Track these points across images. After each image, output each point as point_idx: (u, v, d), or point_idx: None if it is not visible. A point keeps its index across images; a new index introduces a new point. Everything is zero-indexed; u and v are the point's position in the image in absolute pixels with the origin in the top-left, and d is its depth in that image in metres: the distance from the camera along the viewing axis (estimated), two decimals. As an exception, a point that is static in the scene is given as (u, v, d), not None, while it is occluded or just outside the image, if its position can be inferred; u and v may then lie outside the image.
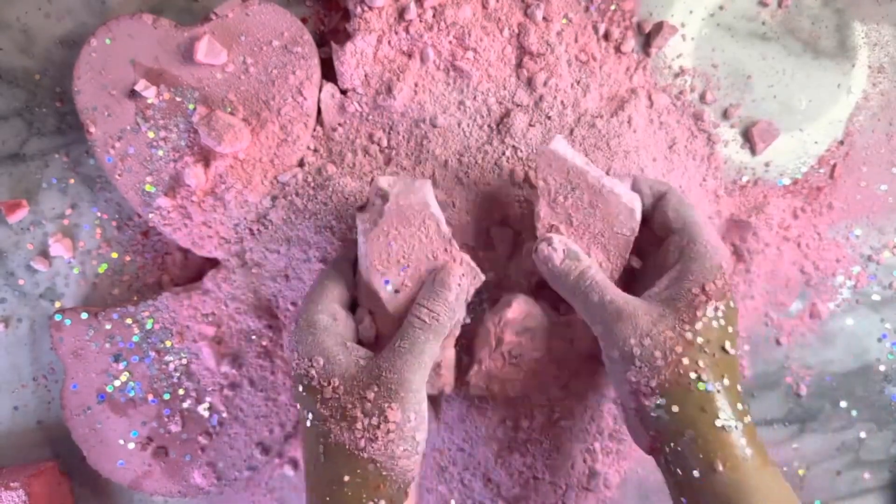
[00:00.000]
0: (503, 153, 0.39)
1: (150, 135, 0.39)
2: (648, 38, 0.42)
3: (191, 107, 0.39)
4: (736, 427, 0.32)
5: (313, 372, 0.32)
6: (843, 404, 0.45)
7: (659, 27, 0.42)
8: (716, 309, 0.33)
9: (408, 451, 0.32)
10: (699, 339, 0.32)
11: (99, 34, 0.39)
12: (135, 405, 0.41)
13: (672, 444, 0.32)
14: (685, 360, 0.32)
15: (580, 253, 0.35)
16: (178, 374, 0.41)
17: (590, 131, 0.40)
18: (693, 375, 0.32)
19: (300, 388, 0.33)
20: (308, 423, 0.33)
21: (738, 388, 0.33)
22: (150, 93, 0.38)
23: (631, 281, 0.37)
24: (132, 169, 0.39)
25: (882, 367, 0.45)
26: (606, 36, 0.41)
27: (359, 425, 0.31)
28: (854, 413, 0.45)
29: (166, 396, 0.41)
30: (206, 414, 0.41)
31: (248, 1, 0.39)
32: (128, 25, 0.39)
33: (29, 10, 0.41)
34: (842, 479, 0.45)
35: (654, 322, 0.33)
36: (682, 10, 0.43)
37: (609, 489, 0.41)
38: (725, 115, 0.43)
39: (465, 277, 0.34)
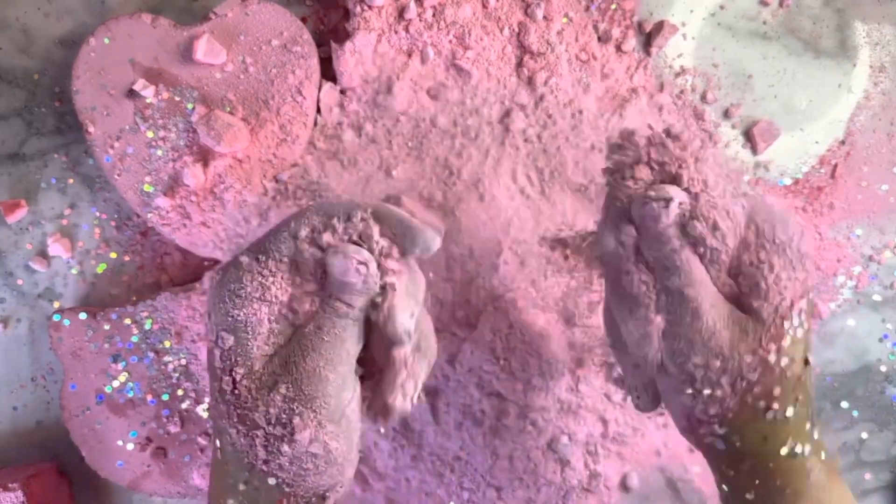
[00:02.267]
0: (504, 153, 0.39)
1: (149, 134, 0.39)
2: (649, 37, 0.42)
3: (190, 106, 0.39)
4: (804, 452, 0.28)
5: (216, 351, 0.26)
6: (844, 405, 0.44)
7: (659, 26, 0.42)
8: (800, 313, 0.28)
9: (321, 467, 0.26)
10: (783, 362, 0.27)
11: (98, 34, 0.38)
12: (134, 406, 0.41)
13: (724, 468, 0.29)
14: (757, 389, 0.27)
15: (693, 227, 0.27)
16: (177, 375, 0.41)
17: (590, 131, 0.40)
18: (762, 404, 0.27)
19: (209, 362, 0.27)
20: (212, 406, 0.27)
21: (810, 403, 0.29)
22: (148, 92, 0.38)
23: None
24: (131, 169, 0.39)
25: (883, 368, 0.45)
26: (607, 35, 0.41)
27: (259, 434, 0.26)
28: (855, 413, 0.45)
29: (165, 397, 0.41)
30: (205, 415, 0.41)
31: (247, 0, 0.39)
32: (127, 25, 0.39)
33: (28, 10, 0.41)
34: (843, 479, 0.45)
35: (733, 342, 0.27)
36: (683, 9, 0.42)
37: (610, 490, 0.41)
38: (726, 114, 0.43)
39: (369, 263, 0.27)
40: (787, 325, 0.27)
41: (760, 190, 0.43)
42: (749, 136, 0.43)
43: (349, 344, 0.27)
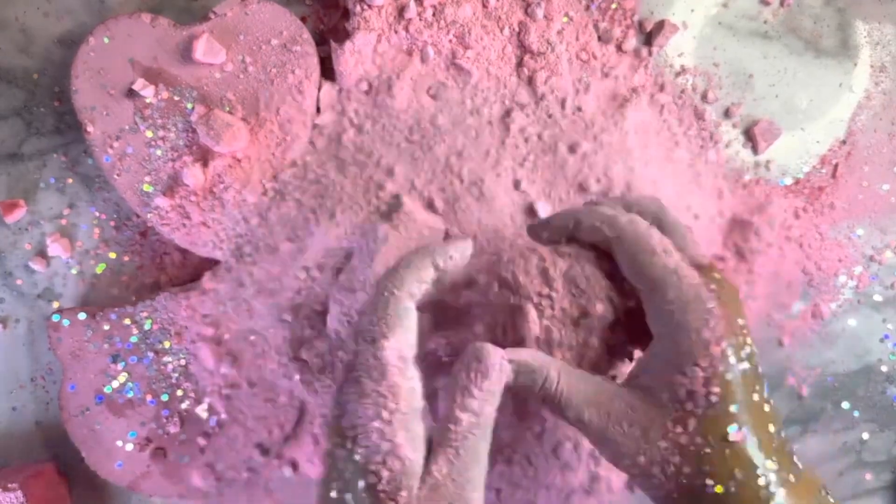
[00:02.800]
0: (504, 153, 0.39)
1: (149, 134, 0.39)
2: (650, 36, 0.42)
3: (189, 106, 0.39)
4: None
5: (385, 474, 0.26)
6: (845, 405, 0.44)
7: (660, 26, 0.41)
8: (707, 395, 0.27)
9: None
10: (697, 440, 0.27)
11: (97, 33, 0.38)
12: (133, 406, 0.41)
13: None
14: (686, 470, 0.27)
15: (531, 361, 0.29)
16: (176, 375, 0.41)
17: (590, 130, 0.40)
18: (698, 483, 0.27)
19: (360, 484, 0.27)
20: None
21: (770, 462, 0.28)
22: (148, 92, 0.38)
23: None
24: (130, 168, 0.39)
25: (884, 368, 0.44)
26: (608, 35, 0.41)
27: None
28: (856, 414, 0.44)
29: (165, 397, 0.41)
30: (204, 415, 0.41)
31: (247, 0, 0.39)
32: (126, 25, 0.38)
33: (28, 10, 0.41)
34: (844, 480, 0.45)
35: (645, 433, 0.28)
36: (684, 8, 0.42)
37: (612, 493, 0.41)
38: (727, 114, 0.43)
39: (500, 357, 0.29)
40: (689, 406, 0.27)
41: (762, 192, 0.43)
42: (750, 136, 0.43)
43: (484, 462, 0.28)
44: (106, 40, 0.38)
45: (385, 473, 0.26)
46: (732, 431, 0.27)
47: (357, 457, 0.27)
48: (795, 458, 0.29)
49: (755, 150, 0.43)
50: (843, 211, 0.44)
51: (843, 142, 0.44)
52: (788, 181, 0.44)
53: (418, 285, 0.30)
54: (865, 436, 0.45)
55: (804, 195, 0.44)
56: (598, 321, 0.32)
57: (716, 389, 0.27)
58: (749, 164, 0.43)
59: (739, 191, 0.43)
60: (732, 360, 0.28)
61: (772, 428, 0.28)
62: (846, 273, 0.44)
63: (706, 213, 0.42)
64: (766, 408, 0.29)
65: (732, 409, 0.27)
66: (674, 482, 0.28)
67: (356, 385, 0.28)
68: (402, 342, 0.28)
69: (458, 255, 0.31)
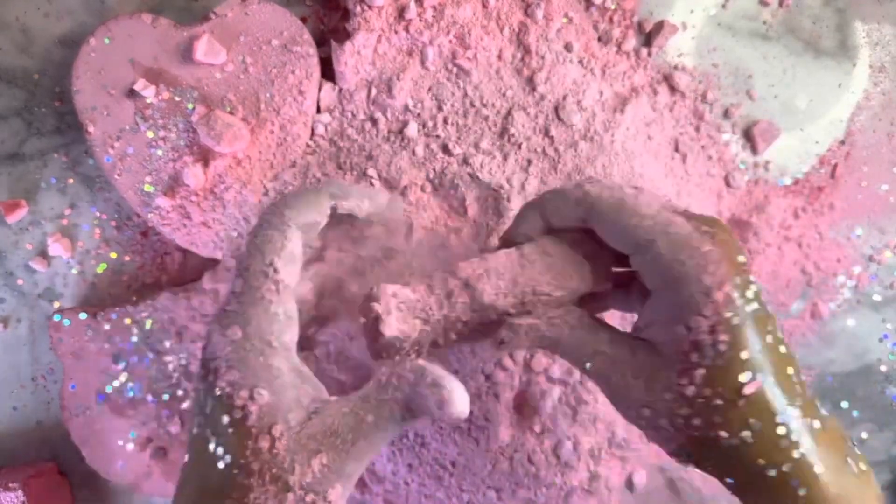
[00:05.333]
0: (503, 153, 0.39)
1: (150, 134, 0.39)
2: (649, 37, 0.42)
3: (190, 106, 0.39)
4: (801, 455, 0.25)
5: (253, 407, 0.26)
6: (844, 405, 0.44)
7: (660, 26, 0.41)
8: (714, 344, 0.25)
9: None
10: (706, 392, 0.25)
11: (98, 34, 0.38)
12: (134, 406, 0.41)
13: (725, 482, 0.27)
14: (696, 422, 0.26)
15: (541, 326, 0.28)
16: (177, 375, 0.41)
17: (590, 131, 0.40)
18: (711, 434, 0.25)
19: (223, 419, 0.26)
20: (220, 463, 0.26)
21: (792, 409, 0.25)
22: (149, 92, 0.38)
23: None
24: (131, 169, 0.39)
25: (883, 368, 0.45)
26: (607, 35, 0.41)
27: (290, 496, 0.25)
28: (855, 414, 0.45)
29: (165, 397, 0.41)
30: (205, 414, 0.41)
31: (247, 0, 0.39)
32: (127, 25, 0.39)
33: (28, 10, 0.41)
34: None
35: (649, 386, 0.26)
36: (683, 9, 0.42)
37: (611, 491, 0.41)
38: (726, 114, 0.43)
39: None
40: (695, 358, 0.25)
41: (762, 192, 0.43)
42: (749, 136, 0.43)
43: (384, 443, 0.27)
44: (107, 41, 0.39)
45: (253, 408, 0.26)
46: (746, 381, 0.25)
47: (217, 391, 0.26)
48: (818, 404, 0.27)
49: (754, 150, 0.43)
50: (842, 211, 0.44)
51: (843, 142, 0.44)
52: (788, 181, 0.44)
53: (311, 215, 0.29)
54: (864, 435, 0.45)
55: (803, 195, 0.44)
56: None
57: (723, 337, 0.25)
58: (748, 165, 0.43)
59: (738, 191, 0.43)
60: (739, 301, 0.25)
61: (790, 370, 0.26)
62: (845, 273, 0.44)
63: (705, 213, 0.42)
64: (782, 349, 0.26)
65: (743, 356, 0.25)
66: (684, 435, 0.26)
67: (224, 315, 0.27)
68: (284, 272, 0.28)
69: (368, 202, 0.30)
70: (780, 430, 0.25)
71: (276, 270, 0.28)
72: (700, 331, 0.25)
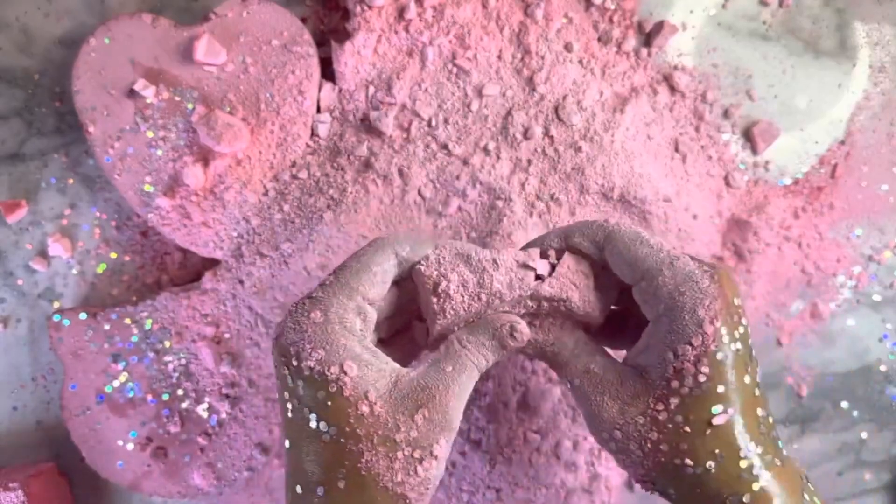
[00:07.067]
0: (503, 153, 0.39)
1: (149, 134, 0.39)
2: (649, 37, 0.42)
3: (190, 106, 0.39)
4: (759, 487, 0.27)
5: (346, 379, 0.27)
6: (844, 405, 0.44)
7: (659, 27, 0.42)
8: (695, 374, 0.27)
9: (433, 489, 0.28)
10: (677, 419, 0.27)
11: (98, 34, 0.38)
12: (134, 406, 0.41)
13: None
14: (663, 447, 0.27)
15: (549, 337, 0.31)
16: (177, 375, 0.41)
17: (590, 131, 0.40)
18: (676, 462, 0.27)
19: (319, 395, 0.27)
20: (325, 437, 0.27)
21: (755, 445, 0.27)
22: (149, 92, 0.38)
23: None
24: (131, 169, 0.39)
25: (883, 368, 0.45)
26: (607, 35, 0.41)
27: (400, 455, 0.27)
28: (855, 413, 0.45)
29: (165, 397, 0.41)
30: (205, 414, 0.41)
31: (247, 0, 0.39)
32: (127, 25, 0.39)
33: (28, 10, 0.41)
34: (843, 479, 0.45)
35: (622, 408, 0.28)
36: (683, 9, 0.42)
37: (611, 491, 0.41)
38: (726, 114, 0.43)
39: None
40: (675, 384, 0.27)
41: (761, 192, 0.43)
42: (749, 136, 0.43)
43: (469, 389, 0.29)
44: (107, 41, 0.39)
45: (346, 380, 0.27)
46: (717, 413, 0.27)
47: (306, 371, 0.27)
48: (780, 444, 0.29)
49: (754, 150, 0.43)
50: (842, 211, 0.44)
51: (842, 142, 0.44)
52: (787, 181, 0.44)
53: (417, 251, 0.31)
54: (864, 435, 0.45)
55: (803, 195, 0.44)
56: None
57: (705, 370, 0.27)
58: (748, 165, 0.43)
59: (738, 191, 0.43)
60: (726, 339, 0.27)
61: (760, 412, 0.28)
62: (845, 273, 0.44)
63: (705, 213, 0.42)
64: (757, 392, 0.28)
65: (720, 389, 0.27)
66: (651, 459, 0.28)
67: (306, 301, 0.29)
68: (369, 284, 0.29)
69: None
70: (743, 464, 0.27)
71: (368, 277, 0.29)
72: (685, 359, 0.27)
